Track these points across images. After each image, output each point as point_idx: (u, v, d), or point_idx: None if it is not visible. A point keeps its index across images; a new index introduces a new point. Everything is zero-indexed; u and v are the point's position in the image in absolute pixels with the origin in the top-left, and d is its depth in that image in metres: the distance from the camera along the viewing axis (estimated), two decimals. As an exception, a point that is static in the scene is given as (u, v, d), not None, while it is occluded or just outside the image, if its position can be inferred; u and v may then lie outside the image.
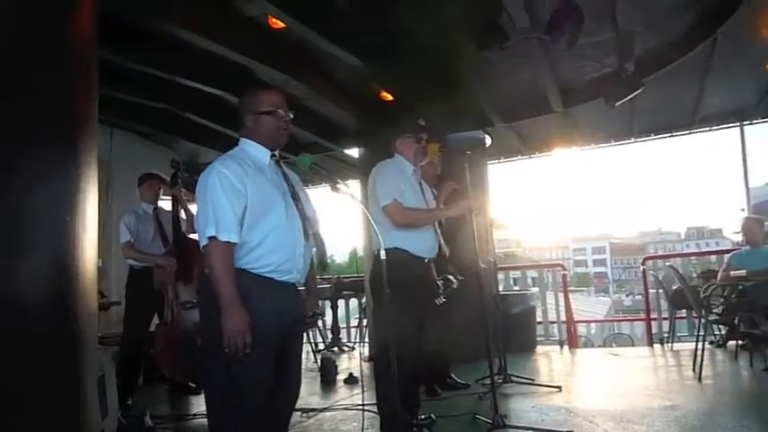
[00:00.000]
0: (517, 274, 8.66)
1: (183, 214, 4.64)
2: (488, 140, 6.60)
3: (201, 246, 2.13)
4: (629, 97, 5.23)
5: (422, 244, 3.37)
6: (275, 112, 2.30)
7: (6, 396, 1.50)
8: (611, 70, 5.38)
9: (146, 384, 5.22)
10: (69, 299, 1.68)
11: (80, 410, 1.74)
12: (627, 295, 51.30)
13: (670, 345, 6.18)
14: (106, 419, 3.36)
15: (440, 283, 3.50)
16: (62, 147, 1.72)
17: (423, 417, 3.57)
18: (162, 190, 4.87)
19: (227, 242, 2.08)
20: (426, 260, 3.41)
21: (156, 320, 4.61)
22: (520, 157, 8.21)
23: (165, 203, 4.83)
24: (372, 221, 2.33)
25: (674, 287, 6.41)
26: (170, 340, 4.22)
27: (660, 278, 6.84)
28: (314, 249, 2.37)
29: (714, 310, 5.08)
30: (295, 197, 2.30)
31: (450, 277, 3.60)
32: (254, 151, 2.30)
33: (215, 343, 2.04)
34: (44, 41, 1.71)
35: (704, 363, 4.55)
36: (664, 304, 6.82)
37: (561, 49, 4.54)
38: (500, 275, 6.80)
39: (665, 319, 6.66)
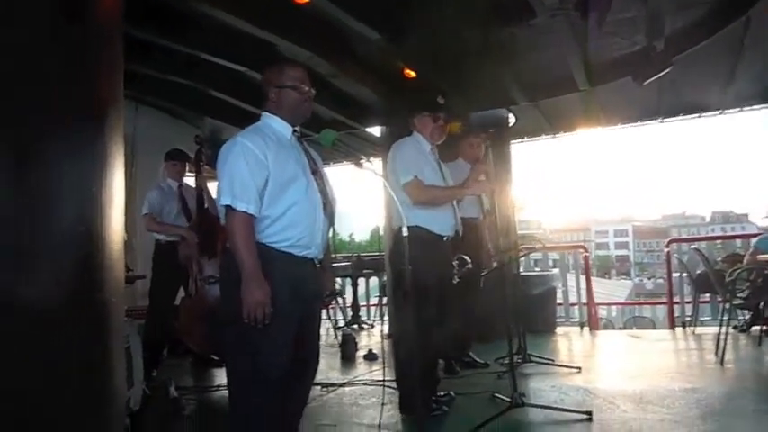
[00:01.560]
0: (538, 255, 8.60)
1: (206, 193, 4.69)
2: (512, 119, 6.53)
3: (222, 217, 2.15)
4: (657, 76, 5.11)
5: (442, 223, 3.38)
6: (298, 86, 2.30)
7: (37, 364, 1.54)
8: (640, 48, 5.25)
9: (170, 357, 5.33)
10: (96, 269, 1.71)
11: (108, 379, 1.79)
12: (649, 278, 50.81)
13: (692, 328, 6.12)
14: (132, 389, 3.44)
15: (455, 262, 3.51)
16: (90, 121, 1.74)
17: (442, 393, 3.60)
18: (186, 168, 4.93)
19: (246, 213, 2.09)
20: (445, 239, 3.41)
21: (180, 294, 4.70)
22: (543, 136, 8.10)
23: (191, 180, 4.89)
24: (396, 199, 2.33)
25: (699, 271, 6.33)
26: (194, 314, 4.30)
27: (684, 261, 6.74)
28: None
29: (739, 295, 5.02)
30: (315, 173, 2.31)
31: (465, 257, 3.60)
32: (277, 126, 2.31)
33: (234, 314, 2.07)
34: (71, 18, 1.72)
35: (727, 347, 4.50)
36: (687, 288, 6.74)
37: (590, 26, 4.44)
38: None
39: (687, 302, 6.58)
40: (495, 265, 3.82)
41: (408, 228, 2.31)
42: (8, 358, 1.47)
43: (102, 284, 1.72)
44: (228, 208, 2.09)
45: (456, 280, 3.48)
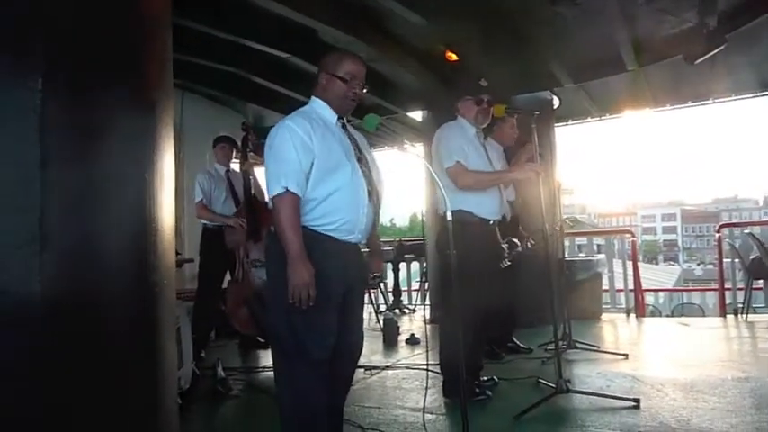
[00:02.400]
0: (583, 240, 8.46)
1: (252, 178, 4.77)
2: (556, 102, 6.40)
3: (269, 198, 2.18)
4: (709, 55, 4.91)
5: (487, 206, 3.35)
6: (349, 81, 2.30)
7: (94, 345, 1.61)
8: (692, 26, 5.06)
9: (218, 338, 5.49)
10: (150, 253, 1.76)
11: (160, 359, 1.85)
12: (698, 264, 49.37)
13: (744, 316, 5.92)
14: (182, 369, 3.56)
15: (504, 246, 3.48)
16: (143, 108, 1.79)
17: (485, 378, 3.60)
18: (234, 153, 5.02)
19: (293, 194, 2.11)
20: (491, 222, 3.39)
21: (227, 278, 4.81)
22: (589, 119, 7.91)
23: (236, 166, 4.98)
24: (439, 182, 2.32)
25: (752, 256, 6.12)
26: (240, 297, 4.40)
27: (737, 246, 6.52)
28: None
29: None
30: (360, 159, 2.32)
31: (515, 240, 3.57)
32: (323, 111, 2.33)
33: (280, 296, 2.10)
34: (123, 8, 1.77)
35: (782, 335, 4.35)
36: (739, 274, 6.52)
37: (639, 3, 4.31)
38: (565, 241, 6.68)
39: (739, 289, 6.37)
40: (529, 246, 3.77)
41: (454, 212, 2.30)
42: (69, 338, 1.53)
43: (155, 267, 1.78)
44: (278, 191, 2.12)
45: (507, 263, 3.46)
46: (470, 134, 3.49)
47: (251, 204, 4.57)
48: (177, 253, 4.98)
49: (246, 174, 4.69)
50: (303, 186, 2.15)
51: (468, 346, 2.88)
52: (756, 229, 7.41)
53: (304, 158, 2.14)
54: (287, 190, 2.10)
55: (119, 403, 1.68)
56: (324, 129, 2.25)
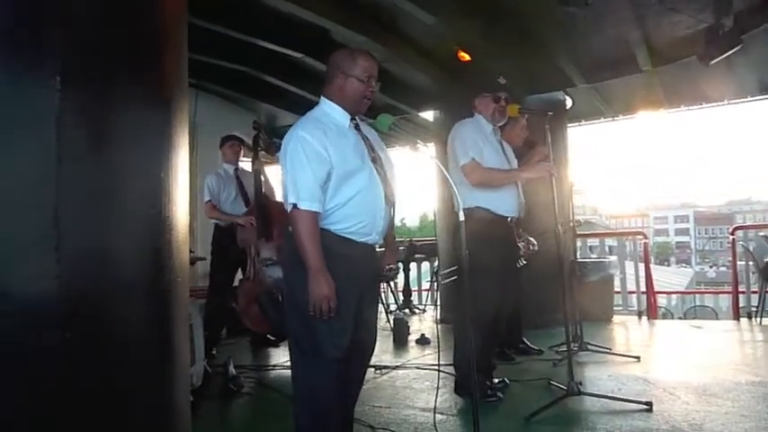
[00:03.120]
0: (594, 241, 8.42)
1: (262, 178, 4.79)
2: (569, 102, 6.37)
3: (288, 210, 2.19)
4: (725, 55, 4.86)
5: (505, 203, 3.35)
6: (366, 81, 2.27)
7: (108, 343, 1.63)
8: (707, 26, 5.00)
9: (229, 336, 5.52)
10: (164, 251, 1.77)
11: (174, 357, 1.86)
12: (711, 266, 48.91)
13: (759, 319, 5.86)
14: (194, 366, 3.58)
15: (521, 244, 3.47)
16: (159, 105, 1.80)
17: (497, 380, 3.59)
18: (243, 151, 5.05)
19: (310, 210, 2.12)
20: (509, 219, 3.38)
21: (239, 276, 4.83)
22: (602, 119, 7.86)
23: (246, 164, 5.00)
24: (452, 182, 2.31)
25: (766, 259, 6.05)
26: (252, 295, 4.41)
27: (751, 249, 6.45)
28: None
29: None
30: (375, 160, 2.31)
31: (532, 239, 3.56)
32: (335, 113, 2.29)
33: (299, 302, 2.13)
34: (139, 6, 1.78)
35: (797, 339, 4.31)
36: (753, 277, 6.46)
37: (651, 3, 4.27)
38: (577, 242, 6.64)
39: (753, 292, 6.31)
40: (531, 249, 3.77)
41: (471, 209, 2.31)
42: (86, 334, 1.55)
43: (170, 265, 1.79)
44: (293, 207, 2.13)
45: (523, 262, 3.45)
46: (487, 131, 3.49)
47: (262, 203, 4.58)
48: (190, 251, 5.02)
49: (258, 173, 4.71)
50: (320, 198, 2.15)
51: (482, 344, 2.88)
52: (771, 232, 7.33)
53: (319, 171, 2.14)
54: (303, 207, 2.12)
55: (133, 402, 1.69)
56: (337, 134, 2.23)
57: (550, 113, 3.46)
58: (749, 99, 7.08)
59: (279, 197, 3.28)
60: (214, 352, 4.75)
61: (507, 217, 3.37)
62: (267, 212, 4.46)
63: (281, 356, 4.76)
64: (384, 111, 2.70)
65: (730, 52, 4.81)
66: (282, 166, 2.21)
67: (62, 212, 1.49)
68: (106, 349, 1.61)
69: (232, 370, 3.97)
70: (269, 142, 4.72)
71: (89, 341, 1.56)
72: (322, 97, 2.35)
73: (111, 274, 1.64)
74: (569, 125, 6.77)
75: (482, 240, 2.50)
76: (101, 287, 1.61)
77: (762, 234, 6.63)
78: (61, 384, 1.51)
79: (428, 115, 7.31)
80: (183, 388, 1.94)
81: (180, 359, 1.92)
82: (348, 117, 2.31)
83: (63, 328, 1.50)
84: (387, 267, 2.51)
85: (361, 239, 2.26)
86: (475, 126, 3.47)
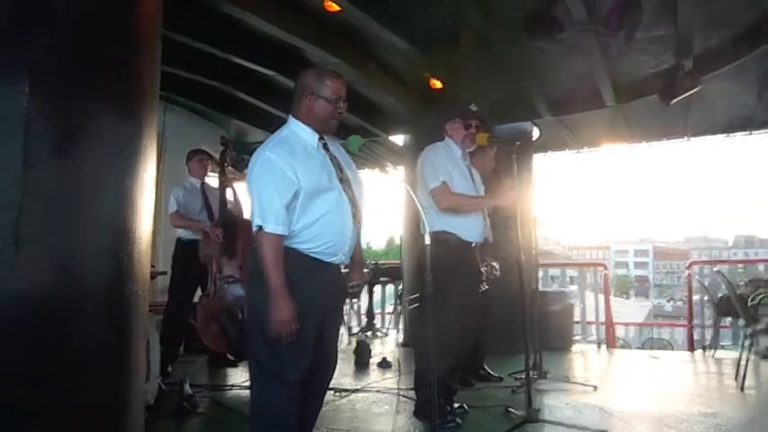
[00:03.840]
0: (556, 271, 8.55)
1: (229, 193, 4.74)
2: (536, 132, 6.51)
3: (254, 231, 2.17)
4: (685, 95, 5.07)
5: (470, 229, 3.38)
6: (334, 102, 2.27)
7: (66, 348, 1.58)
8: (668, 67, 5.22)
9: (186, 354, 5.38)
10: (126, 261, 1.75)
11: (130, 369, 1.81)
12: (668, 301, 50.03)
13: (712, 352, 6.01)
14: (148, 384, 3.47)
15: (483, 269, 3.50)
16: (126, 116, 1.78)
17: (456, 405, 3.58)
18: (210, 166, 5.00)
19: (275, 233, 2.11)
20: (473, 245, 3.41)
21: (199, 293, 4.74)
22: (567, 150, 8.05)
23: (212, 180, 4.95)
24: (419, 205, 2.33)
25: (720, 294, 6.22)
26: (211, 312, 4.34)
27: (706, 284, 6.64)
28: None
29: (762, 319, 4.92)
30: (343, 180, 2.31)
31: (495, 264, 3.60)
32: (303, 134, 2.28)
33: (261, 322, 2.10)
34: (114, 17, 1.77)
35: (748, 373, 4.42)
36: (707, 312, 6.63)
37: (618, 43, 4.42)
38: (539, 272, 6.73)
39: (708, 326, 6.47)
40: (496, 273, 3.81)
41: (436, 233, 2.32)
42: (38, 344, 1.50)
43: (130, 275, 1.76)
44: (258, 228, 2.12)
45: (485, 287, 3.48)
46: (457, 156, 3.53)
47: (227, 220, 4.54)
48: (151, 265, 4.93)
49: (223, 188, 4.67)
50: (285, 221, 2.13)
51: (443, 368, 2.88)
52: (725, 268, 7.56)
53: (285, 192, 2.13)
54: (268, 230, 2.11)
55: (85, 411, 1.64)
56: (305, 154, 2.23)
57: (518, 143, 3.53)
58: (708, 137, 7.36)
59: (247, 214, 3.26)
60: (170, 369, 4.62)
61: (472, 242, 3.40)
62: (231, 229, 4.41)
63: (239, 376, 4.66)
64: (355, 132, 2.72)
65: (690, 93, 5.02)
66: (249, 186, 2.19)
67: (25, 216, 1.46)
68: (63, 355, 1.57)
69: (188, 389, 3.86)
70: (236, 158, 4.70)
71: (46, 346, 1.52)
72: (290, 117, 2.34)
73: (71, 281, 1.60)
74: (535, 154, 6.91)
75: (446, 264, 2.52)
76: (60, 292, 1.57)
77: (716, 270, 6.83)
78: (15, 388, 1.46)
79: (398, 139, 7.36)
80: (137, 403, 1.89)
81: (136, 373, 1.87)
82: (316, 137, 2.31)
83: (20, 331, 1.45)
84: (351, 284, 2.49)
85: (329, 259, 2.25)
86: (445, 150, 3.51)
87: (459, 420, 3.43)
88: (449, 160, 3.45)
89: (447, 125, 3.56)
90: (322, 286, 2.24)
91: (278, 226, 2.11)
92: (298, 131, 2.29)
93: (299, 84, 2.32)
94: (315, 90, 2.27)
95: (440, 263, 2.31)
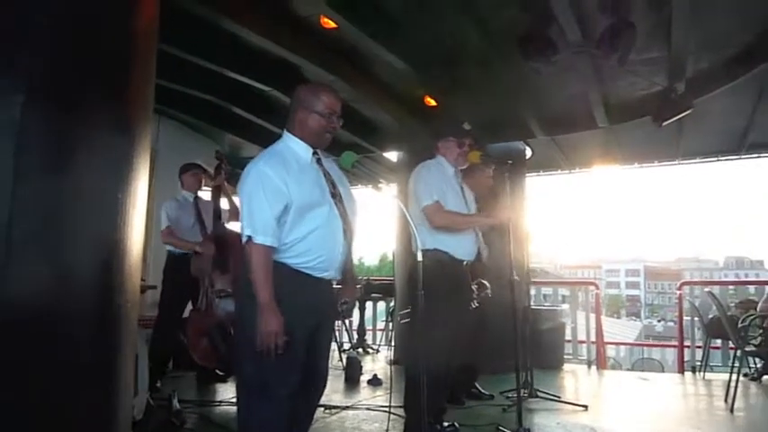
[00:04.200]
0: (548, 290, 8.56)
1: (225, 204, 4.73)
2: (529, 152, 6.55)
3: (243, 242, 2.17)
4: (677, 118, 5.13)
5: (463, 247, 3.39)
6: (328, 117, 2.30)
7: (53, 361, 1.57)
8: (661, 89, 5.28)
9: (175, 369, 5.34)
10: (116, 273, 1.74)
11: (117, 383, 1.80)
12: (659, 321, 50.11)
13: (702, 374, 6.02)
14: (136, 398, 3.43)
15: (474, 287, 3.51)
16: (120, 129, 1.79)
17: (446, 424, 3.56)
18: (204, 180, 4.99)
19: (264, 245, 2.12)
20: (465, 263, 3.41)
21: (189, 307, 4.71)
22: (559, 171, 8.11)
23: (205, 194, 4.94)
24: (412, 222, 2.34)
25: (711, 315, 6.24)
26: (202, 327, 4.30)
27: (697, 305, 6.66)
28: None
29: (751, 342, 4.94)
30: (335, 195, 2.32)
31: (485, 282, 3.60)
32: (297, 148, 2.30)
33: (250, 336, 2.09)
34: (110, 30, 1.78)
35: (737, 395, 4.42)
36: (698, 332, 6.65)
37: (611, 64, 4.48)
38: (531, 290, 6.73)
39: (698, 347, 6.48)
40: (487, 292, 3.81)
41: (429, 251, 2.33)
42: (25, 355, 1.49)
43: (120, 288, 1.75)
44: (248, 239, 2.12)
45: (476, 304, 3.48)
46: (449, 174, 3.54)
47: (219, 234, 4.52)
48: (141, 279, 4.90)
49: (217, 203, 4.65)
50: (274, 233, 2.14)
51: (433, 386, 2.86)
52: (716, 289, 7.59)
53: (276, 205, 2.13)
54: (258, 242, 2.11)
55: (72, 424, 1.63)
56: (298, 168, 2.24)
57: (510, 162, 3.56)
58: (699, 160, 7.45)
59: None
60: (158, 384, 4.58)
61: (463, 261, 3.41)
62: (224, 243, 4.40)
63: (227, 392, 4.62)
64: (349, 148, 2.73)
65: (682, 115, 5.07)
66: (240, 197, 2.21)
67: (15, 228, 1.45)
68: (50, 368, 1.56)
69: (176, 404, 3.83)
70: (230, 172, 4.69)
71: (34, 358, 1.50)
72: (285, 131, 2.36)
73: (60, 293, 1.60)
74: (528, 174, 6.95)
75: (437, 281, 2.52)
76: (50, 304, 1.56)
77: (707, 290, 6.86)
78: (1, 401, 1.44)
79: (392, 156, 7.40)
80: (125, 418, 1.87)
81: (124, 387, 1.86)
82: (310, 151, 2.32)
83: (9, 342, 1.44)
84: (342, 301, 2.48)
85: (319, 275, 2.25)
86: (438, 168, 3.52)
87: (449, 439, 3.41)
88: (441, 179, 3.46)
89: (440, 143, 3.58)
90: (312, 301, 2.24)
91: (267, 237, 2.12)
92: (292, 145, 2.31)
93: (293, 98, 2.35)
94: (308, 104, 2.29)
95: (431, 280, 2.31)
